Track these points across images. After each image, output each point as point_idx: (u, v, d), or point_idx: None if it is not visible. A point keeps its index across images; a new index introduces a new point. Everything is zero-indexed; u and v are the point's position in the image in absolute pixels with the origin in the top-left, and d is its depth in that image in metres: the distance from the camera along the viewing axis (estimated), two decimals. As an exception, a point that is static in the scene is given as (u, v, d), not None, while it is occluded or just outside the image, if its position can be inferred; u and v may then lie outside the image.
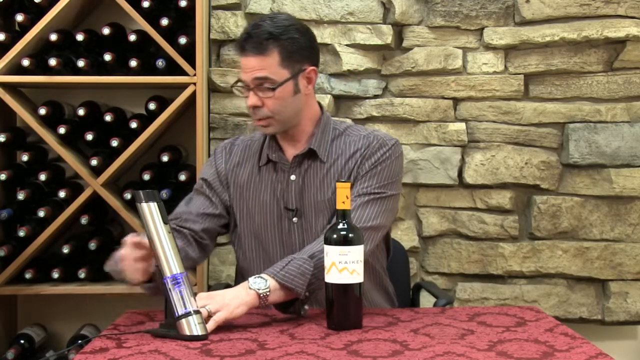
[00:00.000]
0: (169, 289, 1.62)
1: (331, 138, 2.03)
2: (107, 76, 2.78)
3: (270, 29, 1.90)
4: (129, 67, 2.74)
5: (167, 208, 2.88)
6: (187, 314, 1.61)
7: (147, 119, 2.79)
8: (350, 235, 1.68)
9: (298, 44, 1.93)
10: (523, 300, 2.99)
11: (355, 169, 1.99)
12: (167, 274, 1.63)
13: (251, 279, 1.77)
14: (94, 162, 2.75)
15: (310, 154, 2.01)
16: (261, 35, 1.89)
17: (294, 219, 2.00)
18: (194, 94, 2.76)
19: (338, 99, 2.98)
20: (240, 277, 2.11)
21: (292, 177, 2.00)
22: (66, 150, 2.76)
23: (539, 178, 2.99)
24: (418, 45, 2.98)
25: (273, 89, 1.90)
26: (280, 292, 1.79)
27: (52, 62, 2.69)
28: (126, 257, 1.74)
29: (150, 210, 1.66)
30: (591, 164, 2.98)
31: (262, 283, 1.76)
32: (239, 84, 1.96)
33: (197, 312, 1.63)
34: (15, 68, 2.76)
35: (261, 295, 1.75)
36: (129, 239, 1.75)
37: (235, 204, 2.05)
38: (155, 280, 1.76)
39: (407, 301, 2.38)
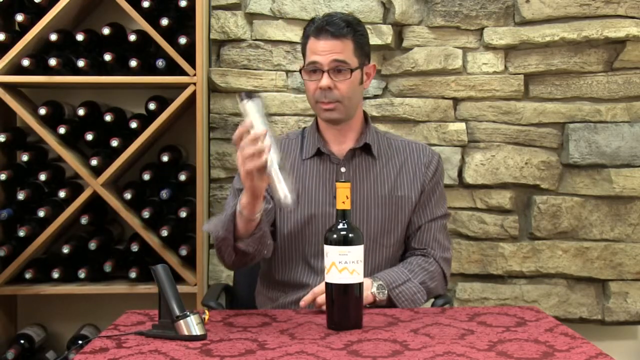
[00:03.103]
0: (278, 171, 1.69)
1: (377, 139, 2.12)
2: (107, 76, 2.79)
3: (346, 19, 2.03)
4: (129, 67, 2.74)
5: (167, 208, 2.90)
6: (185, 315, 1.61)
7: (147, 119, 2.79)
8: (350, 235, 1.67)
9: (365, 40, 2.07)
10: (523, 300, 2.99)
11: (421, 177, 2.09)
12: (275, 160, 1.69)
13: (374, 286, 1.94)
14: (94, 162, 2.75)
15: (364, 149, 2.07)
16: (339, 22, 2.00)
17: None
18: (194, 94, 2.76)
19: (338, 99, 2.98)
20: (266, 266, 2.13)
21: (343, 170, 2.05)
22: (66, 150, 2.76)
23: (539, 178, 2.99)
24: (418, 45, 2.98)
25: (351, 71, 1.98)
26: (385, 302, 1.95)
27: (52, 62, 2.69)
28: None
29: (257, 105, 1.73)
30: (591, 164, 2.98)
31: (381, 294, 1.94)
32: (309, 66, 2.00)
33: (196, 312, 1.64)
34: (15, 68, 2.76)
35: (377, 300, 1.93)
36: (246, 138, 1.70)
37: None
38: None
39: (407, 301, 2.38)
